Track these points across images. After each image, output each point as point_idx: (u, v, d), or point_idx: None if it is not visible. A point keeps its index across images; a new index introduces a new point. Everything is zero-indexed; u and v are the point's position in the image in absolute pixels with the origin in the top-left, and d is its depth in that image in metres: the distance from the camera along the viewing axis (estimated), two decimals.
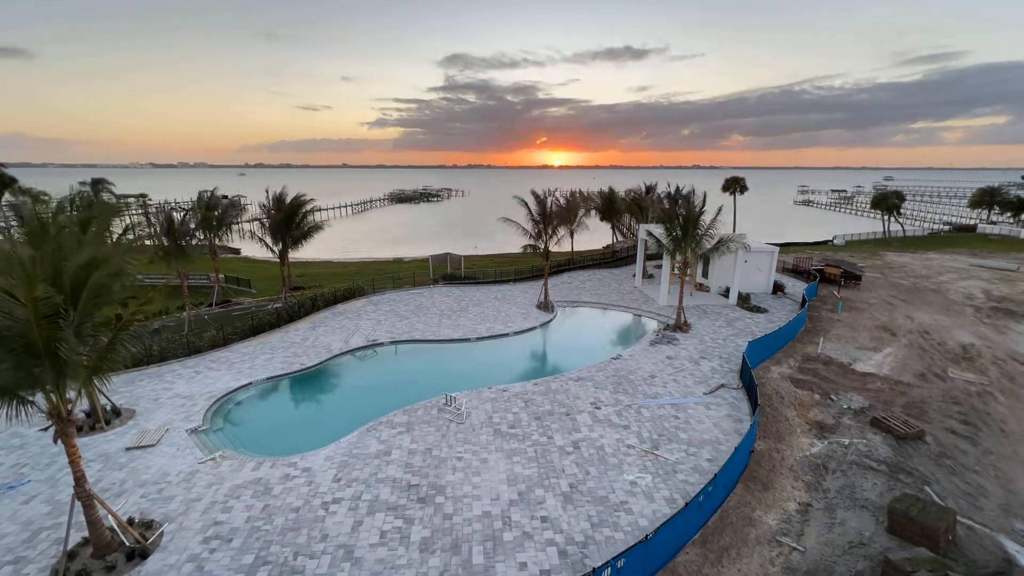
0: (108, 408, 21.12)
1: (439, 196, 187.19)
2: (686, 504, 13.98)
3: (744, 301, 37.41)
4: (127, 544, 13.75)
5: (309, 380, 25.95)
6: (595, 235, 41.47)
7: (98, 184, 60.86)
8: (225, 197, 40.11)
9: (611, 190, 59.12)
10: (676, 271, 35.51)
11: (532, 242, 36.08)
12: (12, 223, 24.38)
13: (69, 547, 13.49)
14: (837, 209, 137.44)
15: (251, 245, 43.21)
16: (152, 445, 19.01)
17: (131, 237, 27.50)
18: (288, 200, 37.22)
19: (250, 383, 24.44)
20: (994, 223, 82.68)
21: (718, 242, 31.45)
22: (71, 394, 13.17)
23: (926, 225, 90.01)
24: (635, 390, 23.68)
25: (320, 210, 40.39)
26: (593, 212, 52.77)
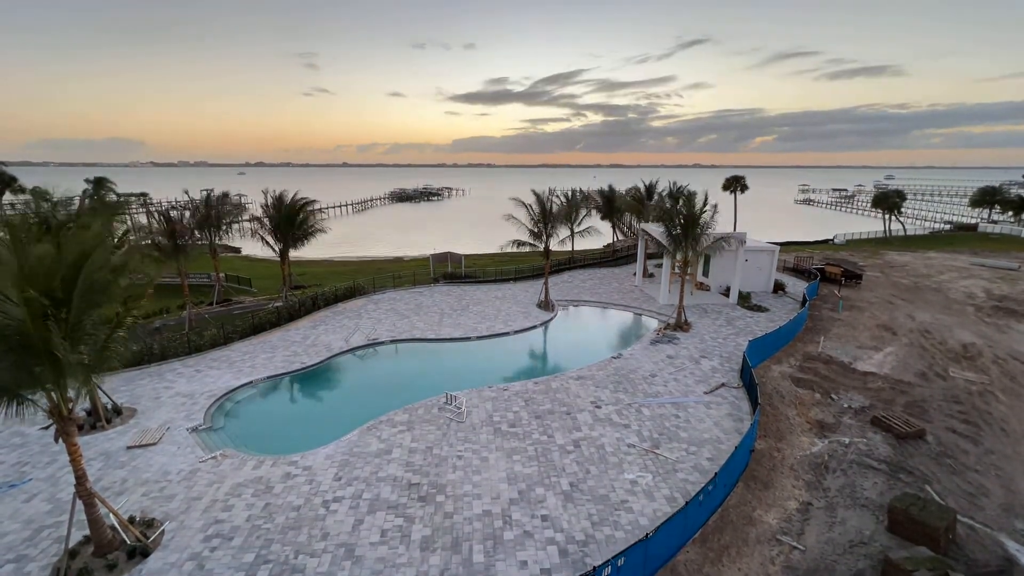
0: (109, 407, 21.14)
1: (439, 195, 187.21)
2: (686, 503, 13.98)
3: (745, 300, 37.38)
4: (128, 542, 13.77)
5: (310, 379, 25.98)
6: (596, 234, 41.37)
7: (100, 183, 60.77)
8: (226, 196, 40.12)
9: (611, 189, 59.09)
10: (676, 270, 35.48)
11: (529, 240, 35.99)
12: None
13: (70, 545, 13.50)
14: (838, 208, 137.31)
15: (252, 244, 43.24)
16: (153, 444, 19.04)
17: (132, 236, 27.55)
18: (290, 202, 37.27)
19: (251, 382, 24.46)
20: (995, 222, 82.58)
21: (716, 240, 31.38)
22: (72, 393, 13.19)
23: (927, 224, 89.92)
24: (635, 389, 23.68)
25: (320, 209, 40.46)
26: (594, 212, 52.63)
